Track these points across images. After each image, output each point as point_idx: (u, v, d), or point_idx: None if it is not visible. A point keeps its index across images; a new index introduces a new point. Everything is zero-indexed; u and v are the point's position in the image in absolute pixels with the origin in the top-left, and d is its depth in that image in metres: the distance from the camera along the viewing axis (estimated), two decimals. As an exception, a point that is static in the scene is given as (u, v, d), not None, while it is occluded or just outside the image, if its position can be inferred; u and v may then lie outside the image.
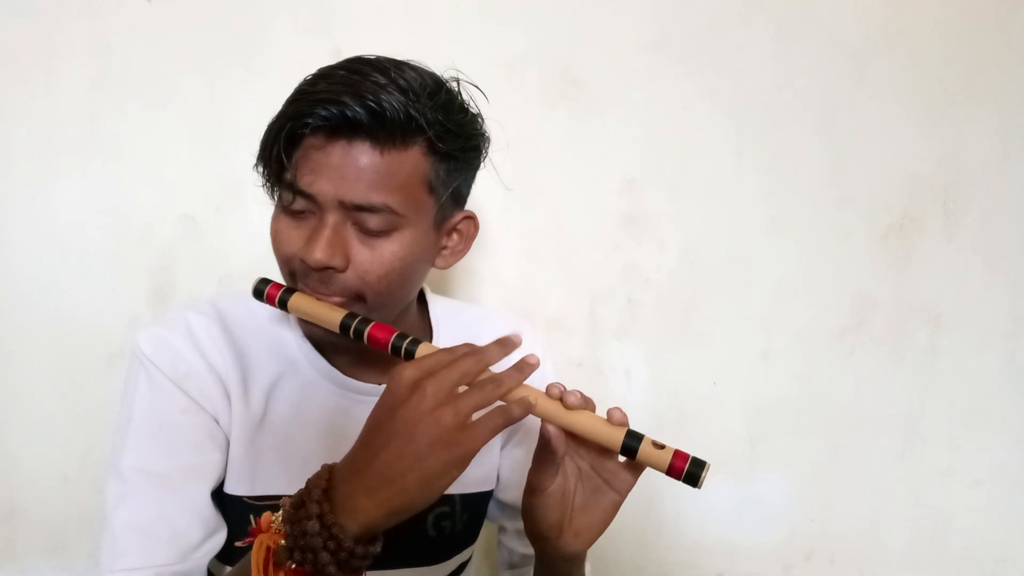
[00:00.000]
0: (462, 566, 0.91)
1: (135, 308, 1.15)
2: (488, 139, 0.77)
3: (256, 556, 0.56)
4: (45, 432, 1.17)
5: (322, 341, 0.77)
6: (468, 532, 0.88)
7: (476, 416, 0.56)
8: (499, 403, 0.59)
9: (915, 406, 1.31)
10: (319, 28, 1.12)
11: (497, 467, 0.90)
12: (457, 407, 0.54)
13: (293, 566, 0.55)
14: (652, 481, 1.28)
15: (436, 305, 0.88)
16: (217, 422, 0.75)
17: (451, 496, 0.85)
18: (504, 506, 0.92)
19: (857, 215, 1.26)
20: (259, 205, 1.15)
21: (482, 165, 0.78)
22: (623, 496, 0.67)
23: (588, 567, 0.86)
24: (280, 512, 0.57)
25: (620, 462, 0.67)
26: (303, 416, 0.78)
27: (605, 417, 0.64)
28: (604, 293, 1.25)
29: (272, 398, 0.78)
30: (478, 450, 0.55)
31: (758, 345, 1.28)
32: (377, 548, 0.57)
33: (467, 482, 0.86)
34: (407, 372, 0.56)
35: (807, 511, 1.33)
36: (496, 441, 0.88)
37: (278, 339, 0.79)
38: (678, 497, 1.31)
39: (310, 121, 0.65)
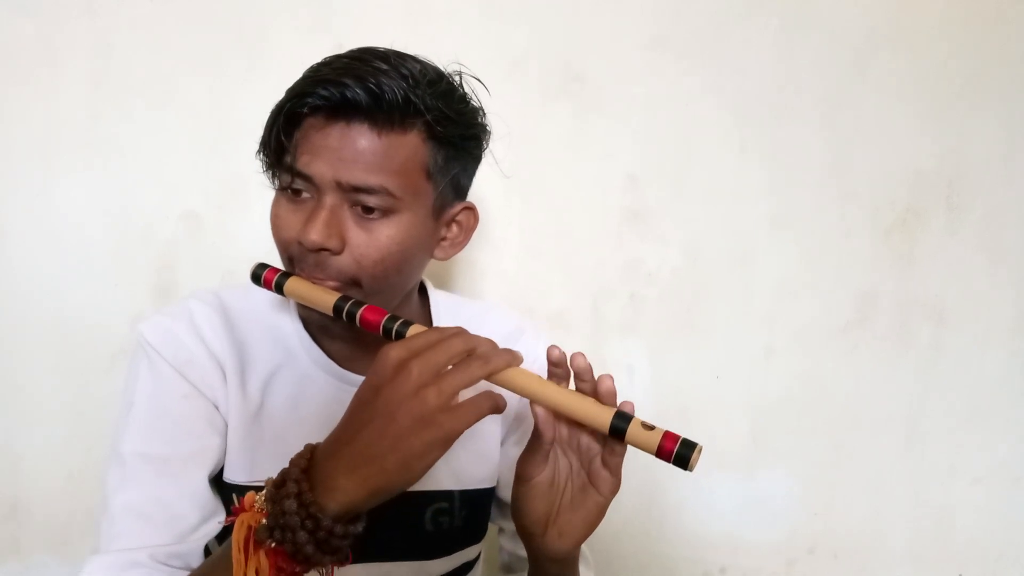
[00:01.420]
0: (466, 566, 0.90)
1: (137, 307, 1.15)
2: (489, 132, 0.77)
3: (237, 535, 0.56)
4: (48, 430, 1.18)
5: (320, 330, 0.77)
6: (468, 530, 0.88)
7: (464, 398, 0.56)
8: (489, 387, 0.58)
9: (917, 403, 1.31)
10: (320, 27, 1.12)
11: (498, 465, 0.90)
12: (441, 387, 0.54)
13: (273, 545, 0.54)
14: (655, 476, 1.29)
15: (437, 299, 0.89)
16: (217, 408, 0.76)
17: (450, 492, 0.84)
18: (502, 506, 0.92)
19: (860, 211, 1.25)
20: (261, 203, 1.15)
21: (483, 156, 0.78)
22: (607, 498, 0.67)
23: (587, 572, 0.86)
24: (263, 491, 0.57)
25: (602, 465, 0.66)
26: (300, 407, 0.79)
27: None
28: (606, 289, 1.25)
29: (269, 389, 0.78)
30: (461, 432, 0.54)
31: (761, 341, 1.28)
32: (358, 528, 0.56)
33: (467, 479, 0.86)
34: (393, 352, 0.56)
35: (810, 507, 1.34)
36: (496, 438, 0.88)
37: (278, 330, 0.80)
38: (681, 492, 1.31)
39: (310, 100, 0.66)
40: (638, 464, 1.28)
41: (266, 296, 0.80)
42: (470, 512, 0.87)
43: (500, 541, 0.96)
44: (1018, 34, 1.22)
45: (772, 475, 1.32)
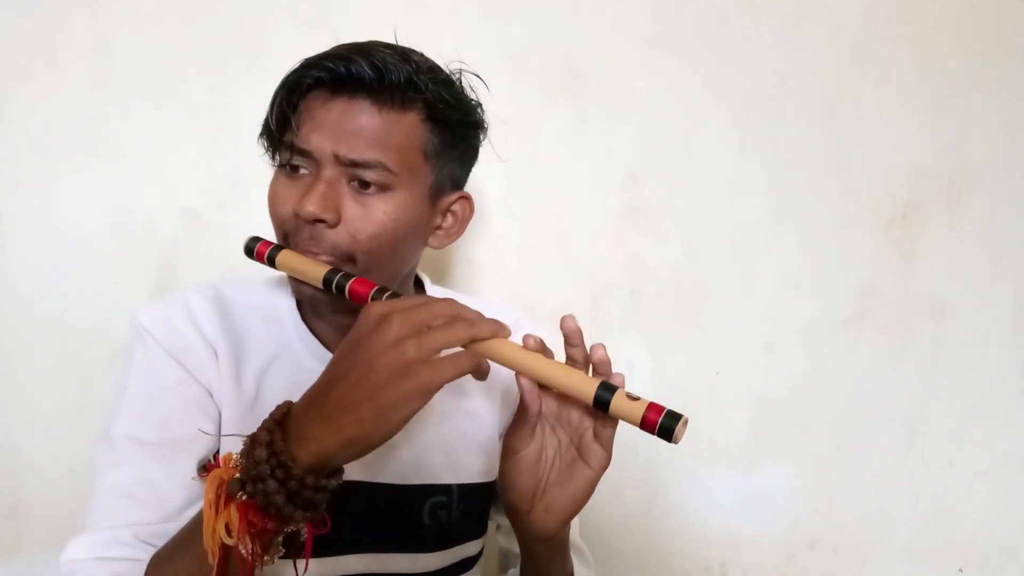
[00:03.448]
0: (466, 563, 0.90)
1: (137, 304, 1.14)
2: (486, 128, 0.79)
3: (208, 490, 0.55)
4: (49, 427, 1.18)
5: (312, 309, 0.78)
6: (467, 524, 0.87)
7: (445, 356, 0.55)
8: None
9: (918, 397, 1.31)
10: (319, 23, 1.12)
11: (497, 459, 0.89)
12: (422, 341, 0.54)
13: (244, 498, 0.54)
14: (656, 473, 1.29)
15: (434, 294, 0.89)
16: (211, 396, 0.76)
17: (448, 486, 0.84)
18: (496, 501, 0.92)
19: (860, 206, 1.25)
20: (261, 202, 1.15)
21: (480, 149, 0.80)
22: (597, 473, 0.66)
23: (586, 572, 0.86)
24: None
25: (593, 438, 0.66)
26: (295, 398, 0.79)
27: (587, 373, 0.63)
28: (607, 286, 1.25)
29: (265, 380, 0.78)
30: (439, 386, 0.53)
31: (761, 337, 1.28)
32: (333, 483, 0.56)
33: (465, 472, 0.86)
34: (376, 307, 0.56)
35: (810, 502, 1.34)
36: (495, 432, 0.88)
37: (275, 322, 0.80)
38: (681, 488, 1.31)
39: (315, 72, 0.68)
40: (639, 461, 1.29)
41: (263, 288, 0.81)
42: (468, 506, 0.87)
43: (496, 538, 0.96)
44: (1018, 29, 1.22)
45: (773, 471, 1.32)
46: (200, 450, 0.74)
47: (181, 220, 1.15)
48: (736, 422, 1.31)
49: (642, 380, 1.27)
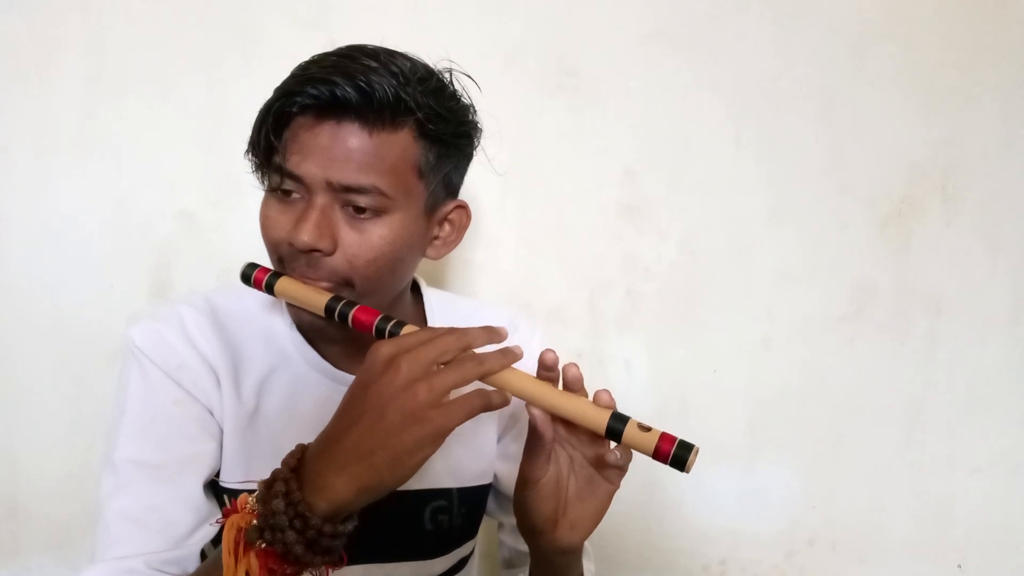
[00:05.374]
0: (462, 561, 0.90)
1: (134, 304, 1.15)
2: (480, 130, 0.77)
3: (227, 537, 0.55)
4: (47, 429, 1.17)
5: (311, 331, 0.77)
6: (466, 526, 0.88)
7: (455, 396, 0.55)
8: (481, 385, 0.58)
9: (916, 393, 1.31)
10: (315, 21, 1.12)
11: (494, 461, 0.89)
12: (432, 383, 0.54)
13: (263, 546, 0.54)
14: (654, 471, 1.29)
15: (431, 297, 0.88)
16: (211, 413, 0.75)
17: (448, 490, 0.84)
18: (501, 501, 0.92)
19: (856, 202, 1.25)
20: (257, 201, 1.15)
21: (475, 153, 0.78)
22: (616, 485, 0.66)
23: (592, 567, 0.86)
24: (255, 493, 0.57)
25: (611, 450, 0.65)
26: (295, 408, 0.78)
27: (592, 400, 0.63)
28: (604, 284, 1.25)
29: (264, 391, 0.78)
30: (452, 429, 0.54)
31: (759, 334, 1.28)
32: (349, 528, 0.56)
33: (464, 476, 0.85)
34: (383, 348, 0.56)
35: (809, 499, 1.34)
36: (492, 435, 0.88)
37: (270, 332, 0.79)
38: (680, 486, 1.31)
39: (299, 100, 0.65)
40: (637, 459, 1.28)
41: (258, 297, 0.80)
42: (469, 509, 0.87)
43: (500, 536, 0.96)
44: (1013, 26, 1.22)
45: (771, 468, 1.32)
46: (204, 468, 0.74)
47: (177, 219, 1.15)
48: (734, 420, 1.31)
49: (640, 378, 1.27)
